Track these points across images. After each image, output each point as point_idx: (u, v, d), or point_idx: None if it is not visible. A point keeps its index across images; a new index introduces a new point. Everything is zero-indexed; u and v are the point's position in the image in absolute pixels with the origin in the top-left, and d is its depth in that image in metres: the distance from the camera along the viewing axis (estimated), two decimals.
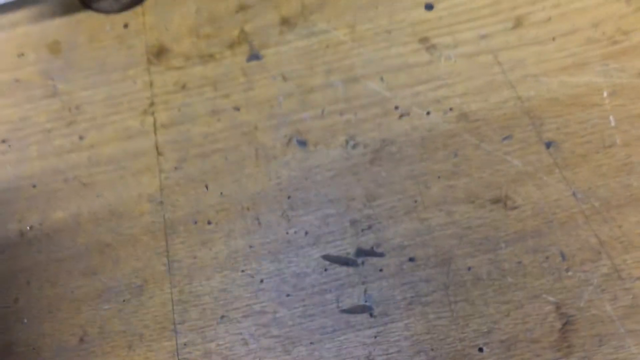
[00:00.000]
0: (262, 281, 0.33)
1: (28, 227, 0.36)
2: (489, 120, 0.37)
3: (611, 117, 0.36)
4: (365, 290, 0.32)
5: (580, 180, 0.34)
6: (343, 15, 0.42)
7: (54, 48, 0.43)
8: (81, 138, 0.39)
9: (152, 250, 0.35)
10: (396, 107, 0.38)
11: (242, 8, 0.43)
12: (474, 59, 0.39)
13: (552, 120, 0.36)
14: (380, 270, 0.33)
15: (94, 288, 0.34)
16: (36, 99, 0.41)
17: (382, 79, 0.39)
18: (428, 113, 0.37)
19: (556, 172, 0.34)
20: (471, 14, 0.41)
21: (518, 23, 0.40)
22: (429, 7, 0.41)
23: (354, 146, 0.37)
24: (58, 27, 0.44)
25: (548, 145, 0.35)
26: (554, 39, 0.39)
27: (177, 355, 0.32)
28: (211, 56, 0.41)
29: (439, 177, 0.35)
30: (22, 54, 0.43)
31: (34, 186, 0.37)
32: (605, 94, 0.36)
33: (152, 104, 0.40)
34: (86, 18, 0.44)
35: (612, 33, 0.38)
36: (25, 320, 0.33)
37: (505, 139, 0.36)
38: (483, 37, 0.40)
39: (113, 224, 0.36)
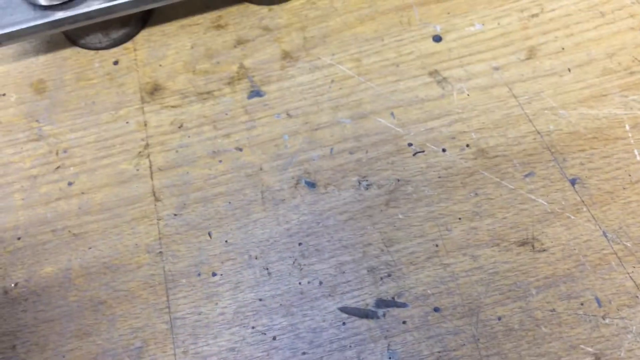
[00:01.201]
0: (274, 338, 0.31)
1: (13, 284, 0.33)
2: (509, 156, 0.35)
3: (636, 151, 0.34)
4: (389, 346, 0.30)
5: (609, 219, 0.33)
6: (347, 48, 0.40)
7: (39, 87, 0.41)
8: (70, 184, 0.36)
9: (152, 306, 0.32)
10: (409, 144, 0.36)
11: (240, 42, 0.41)
12: (488, 92, 0.38)
13: (575, 155, 0.35)
14: (404, 322, 0.31)
15: (88, 351, 0.31)
16: (20, 143, 0.38)
17: (392, 114, 0.38)
18: (444, 150, 0.36)
19: (584, 210, 0.33)
20: (482, 45, 0.40)
21: (531, 54, 0.39)
22: (437, 38, 0.40)
23: (367, 187, 0.35)
24: (43, 64, 0.41)
25: (573, 182, 0.34)
26: (569, 70, 0.38)
27: None
28: (209, 93, 0.39)
29: (460, 219, 0.33)
30: (4, 94, 0.40)
31: (19, 238, 0.35)
32: (627, 127, 0.35)
33: (147, 146, 0.38)
34: (73, 55, 0.42)
35: (628, 63, 0.38)
36: None
37: (527, 175, 0.34)
38: (496, 69, 0.38)
39: (108, 279, 0.33)
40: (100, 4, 0.37)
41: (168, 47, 0.42)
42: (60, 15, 0.37)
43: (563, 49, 0.39)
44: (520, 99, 0.37)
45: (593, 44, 0.39)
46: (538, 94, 0.37)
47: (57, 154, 0.38)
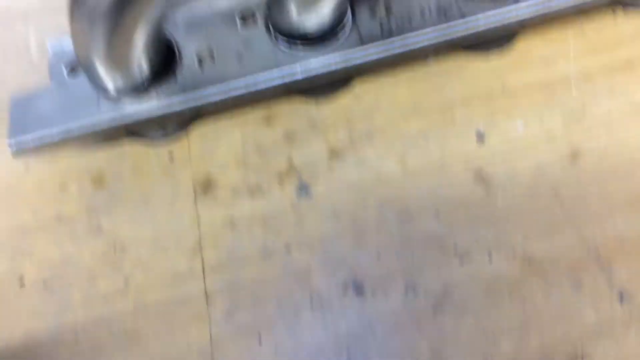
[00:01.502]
0: None
1: None
2: (555, 264, 0.36)
3: None
4: None
5: None
6: (393, 146, 0.42)
7: (98, 180, 0.43)
8: (126, 281, 0.38)
9: None
10: (455, 248, 0.37)
11: (288, 137, 0.43)
12: (533, 195, 0.38)
13: (622, 266, 0.35)
14: None
15: None
16: (79, 237, 0.40)
17: (437, 215, 0.39)
18: (490, 255, 0.37)
19: (633, 326, 0.33)
20: (525, 146, 0.41)
21: (575, 156, 0.40)
22: (481, 138, 0.41)
23: (415, 293, 0.36)
24: (102, 158, 0.44)
25: (620, 296, 0.34)
26: (613, 173, 0.38)
27: None
28: (259, 189, 0.41)
29: (508, 331, 0.34)
30: (65, 188, 0.43)
31: (77, 338, 0.36)
32: None
33: (200, 244, 0.39)
34: (131, 149, 0.44)
35: None
36: None
37: (574, 286, 0.35)
38: (540, 171, 0.39)
39: None
40: (179, 98, 0.39)
41: (220, 142, 0.44)
42: (127, 110, 0.39)
43: (607, 150, 0.40)
44: (565, 204, 0.38)
45: (637, 146, 0.39)
46: (583, 198, 0.38)
47: (114, 250, 0.40)
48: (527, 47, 0.45)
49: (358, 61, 0.40)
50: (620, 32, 0.45)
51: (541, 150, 0.40)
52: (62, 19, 0.51)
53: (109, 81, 0.38)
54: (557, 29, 0.45)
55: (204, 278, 0.38)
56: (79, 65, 0.41)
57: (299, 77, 0.40)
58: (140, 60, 0.37)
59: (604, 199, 0.38)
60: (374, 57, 0.40)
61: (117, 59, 0.36)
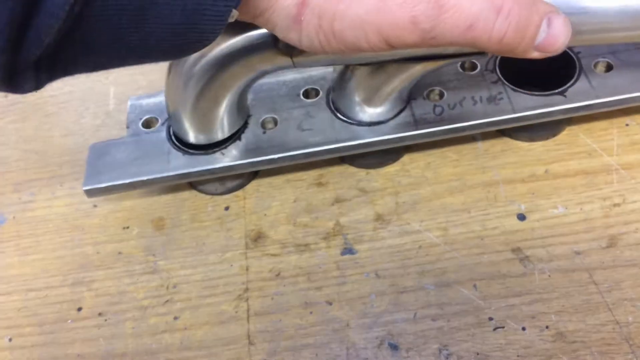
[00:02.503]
0: None
1: None
2: (587, 343, 0.38)
3: None
4: None
5: None
6: (436, 216, 0.45)
7: (158, 224, 0.47)
8: (176, 318, 0.42)
9: None
10: (490, 319, 0.40)
11: (338, 201, 0.47)
12: (569, 276, 0.41)
13: None
14: None
15: None
16: (136, 274, 0.45)
17: (475, 286, 0.41)
18: (523, 328, 0.39)
19: None
20: (564, 228, 0.43)
21: (612, 242, 0.42)
22: (522, 217, 0.45)
23: (447, 356, 0.38)
24: (164, 203, 0.49)
25: None
26: None
27: None
28: (306, 246, 0.45)
29: None
30: (127, 227, 0.48)
31: None
32: None
33: (246, 290, 0.43)
34: (191, 197, 0.49)
35: None
36: None
37: None
38: (577, 253, 0.42)
39: None
40: (244, 159, 0.44)
41: (273, 199, 0.48)
42: (193, 167, 0.44)
43: None
44: (601, 287, 0.40)
45: None
46: (618, 283, 0.40)
47: (167, 288, 0.44)
48: (572, 136, 0.49)
49: (410, 142, 0.45)
50: None
51: (579, 234, 0.43)
52: (139, 77, 0.58)
53: (191, 135, 0.43)
54: (603, 122, 0.49)
55: (248, 322, 0.41)
56: (160, 122, 0.46)
57: (354, 151, 0.45)
58: (222, 120, 0.43)
59: (638, 286, 0.40)
60: (426, 138, 0.45)
61: (203, 117, 0.41)
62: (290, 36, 0.32)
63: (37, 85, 0.27)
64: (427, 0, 0.29)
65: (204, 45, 0.30)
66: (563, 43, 0.32)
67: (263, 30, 0.36)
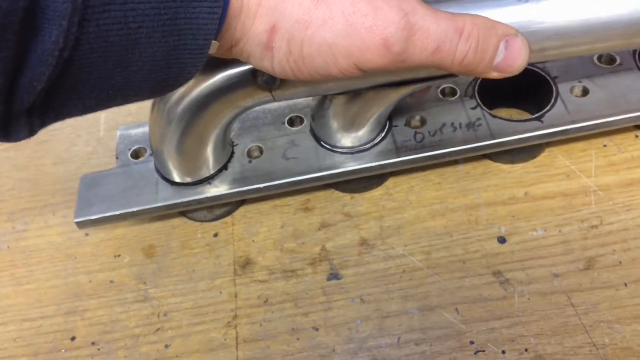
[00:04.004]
0: None
1: None
2: None
3: None
4: None
5: None
6: (419, 240, 0.47)
7: (149, 252, 0.49)
8: (166, 346, 0.43)
9: None
10: (471, 342, 0.41)
11: (324, 225, 0.48)
12: (548, 298, 0.42)
13: None
14: None
15: None
16: (128, 302, 0.46)
17: (457, 310, 0.43)
18: (503, 352, 0.40)
19: None
20: (543, 251, 0.45)
21: (589, 265, 0.44)
22: (502, 240, 0.46)
23: None
24: (154, 231, 0.50)
25: None
26: (625, 284, 0.42)
27: None
28: (293, 272, 0.46)
29: None
30: (119, 255, 0.49)
31: None
32: None
33: (235, 317, 0.44)
34: (180, 224, 0.50)
35: None
36: None
37: None
38: (555, 275, 0.43)
39: None
40: (230, 189, 0.45)
41: (261, 225, 0.49)
42: (181, 197, 0.45)
43: (620, 262, 0.43)
44: (578, 309, 0.42)
45: None
46: (595, 305, 0.42)
47: (158, 316, 0.45)
48: (552, 157, 0.50)
49: (391, 169, 0.46)
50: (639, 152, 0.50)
51: (557, 257, 0.44)
52: (130, 106, 0.59)
53: (175, 173, 0.44)
54: (582, 143, 0.50)
55: (237, 349, 0.42)
56: (148, 152, 0.48)
57: (337, 179, 0.46)
58: (207, 159, 0.44)
59: (615, 309, 0.41)
60: (407, 165, 0.46)
61: (187, 155, 0.43)
62: (264, 64, 0.33)
63: (30, 133, 0.28)
64: (396, 23, 0.30)
65: (187, 79, 0.31)
66: (520, 65, 0.33)
67: (241, 68, 0.37)
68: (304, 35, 0.30)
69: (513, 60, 0.33)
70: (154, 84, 0.29)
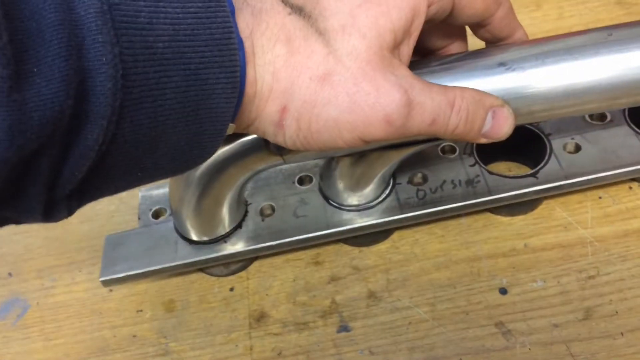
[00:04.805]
0: None
1: None
2: None
3: None
4: None
5: None
6: (424, 292, 0.49)
7: (169, 306, 0.52)
8: None
9: None
10: None
11: (333, 279, 0.51)
12: (548, 348, 0.44)
13: None
14: None
15: None
16: (149, 356, 0.49)
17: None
18: None
19: None
20: (543, 302, 0.47)
21: (587, 315, 0.46)
22: (504, 291, 0.48)
23: None
24: (174, 286, 0.53)
25: None
26: (622, 334, 0.44)
27: None
28: (305, 324, 0.49)
29: None
30: (141, 310, 0.52)
31: None
32: None
33: None
34: (198, 279, 0.53)
35: None
36: None
37: None
38: (555, 326, 0.45)
39: None
40: (245, 246, 0.48)
41: (275, 279, 0.52)
42: (199, 255, 0.49)
43: (617, 312, 0.46)
44: (577, 358, 0.44)
45: None
46: (594, 354, 0.44)
47: None
48: (549, 209, 0.53)
49: (396, 225, 0.49)
50: (635, 203, 0.52)
51: (557, 307, 0.47)
52: None
53: (193, 232, 0.47)
54: (578, 195, 0.53)
55: None
56: (168, 212, 0.51)
57: (345, 235, 0.49)
58: (224, 219, 0.47)
59: (612, 356, 0.43)
60: (410, 221, 0.49)
61: (204, 215, 0.46)
62: (277, 139, 0.36)
63: (69, 214, 0.32)
64: (397, 100, 0.33)
65: (207, 159, 0.34)
66: (506, 132, 0.37)
67: (254, 136, 0.41)
68: (311, 114, 0.33)
69: (499, 128, 0.36)
70: (178, 164, 0.33)
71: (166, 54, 0.28)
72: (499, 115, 0.37)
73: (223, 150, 0.42)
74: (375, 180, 0.48)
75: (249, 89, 0.32)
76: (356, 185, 0.48)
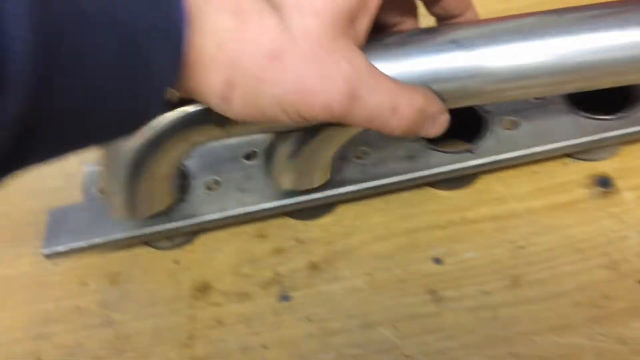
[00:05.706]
0: None
1: None
2: None
3: None
4: None
5: None
6: (364, 263, 0.52)
7: (114, 279, 0.53)
8: None
9: None
10: (406, 356, 0.46)
11: (277, 251, 0.53)
12: (475, 314, 0.47)
13: None
14: None
15: None
16: (92, 327, 0.50)
17: (395, 326, 0.47)
18: None
19: None
20: (475, 271, 0.50)
21: (515, 282, 0.49)
22: (438, 261, 0.51)
23: None
24: (119, 259, 0.54)
25: None
26: (545, 300, 0.47)
27: None
28: (247, 295, 0.51)
29: None
30: (86, 283, 0.53)
31: None
32: (590, 356, 0.44)
33: (191, 338, 0.49)
34: (144, 252, 0.55)
35: (596, 298, 0.47)
36: None
37: None
38: (484, 293, 0.48)
39: None
40: (189, 220, 0.49)
41: (219, 251, 0.54)
42: (143, 228, 0.50)
43: (542, 280, 0.49)
44: (502, 322, 0.47)
45: (569, 277, 0.48)
46: (517, 318, 0.47)
47: (119, 339, 0.49)
48: (487, 184, 0.56)
49: (338, 198, 0.51)
50: (568, 178, 0.55)
51: (487, 275, 0.49)
52: None
53: (127, 211, 0.48)
54: (515, 171, 0.56)
55: None
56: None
57: (287, 209, 0.51)
58: (164, 192, 0.48)
59: (534, 321, 0.46)
60: (353, 195, 0.51)
61: (139, 193, 0.47)
62: (221, 110, 0.37)
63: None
64: (339, 90, 0.34)
65: (145, 124, 0.36)
66: (436, 134, 0.40)
67: (197, 106, 0.42)
68: (258, 90, 0.34)
69: (432, 131, 0.40)
70: (115, 130, 0.34)
71: (97, 16, 0.29)
72: (436, 123, 0.39)
73: (161, 119, 0.43)
74: (319, 165, 0.49)
75: (190, 54, 0.33)
76: (300, 172, 0.49)
